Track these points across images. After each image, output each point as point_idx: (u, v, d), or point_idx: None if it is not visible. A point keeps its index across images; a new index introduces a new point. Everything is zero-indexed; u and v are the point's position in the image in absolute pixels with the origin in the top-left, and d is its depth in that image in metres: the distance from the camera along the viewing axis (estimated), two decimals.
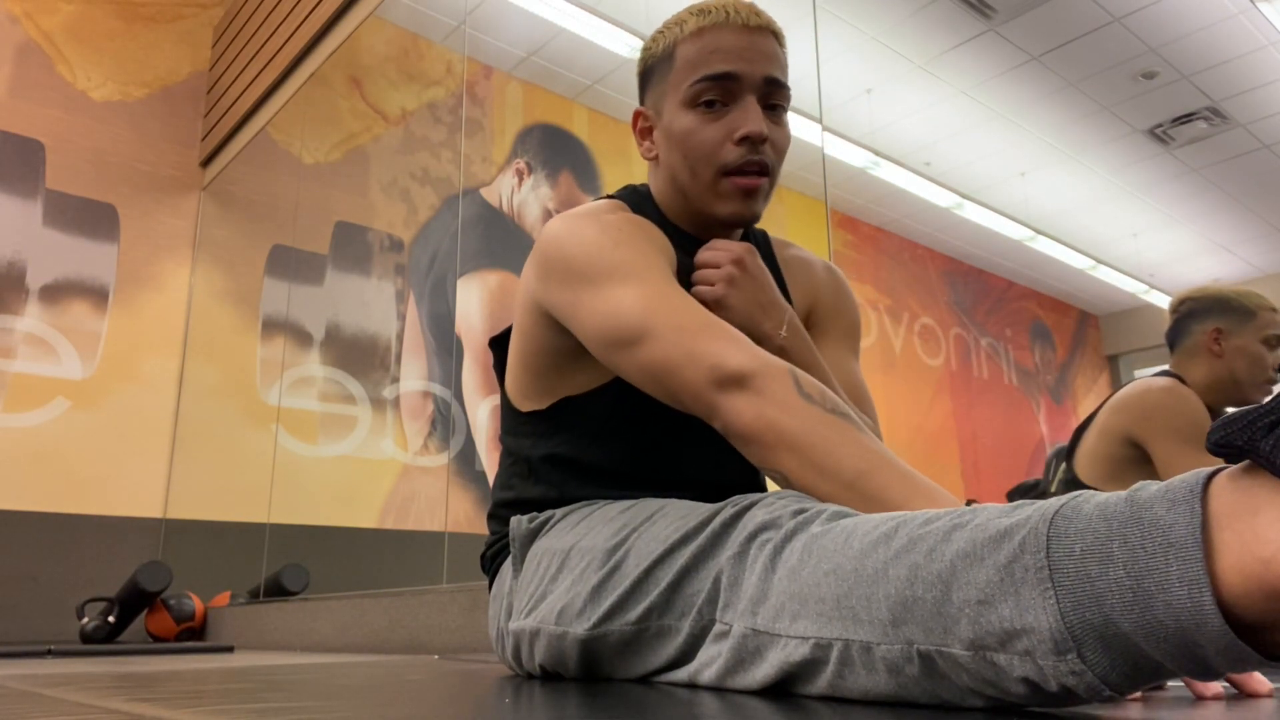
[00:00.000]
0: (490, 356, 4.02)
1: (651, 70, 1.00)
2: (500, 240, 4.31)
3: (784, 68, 0.96)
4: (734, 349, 0.78)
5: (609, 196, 1.05)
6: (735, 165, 0.92)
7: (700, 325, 0.80)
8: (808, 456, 0.72)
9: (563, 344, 0.95)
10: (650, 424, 0.96)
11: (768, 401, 0.75)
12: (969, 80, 4.69)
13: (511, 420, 1.03)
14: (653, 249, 0.90)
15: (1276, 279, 6.68)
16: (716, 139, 0.93)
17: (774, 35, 0.95)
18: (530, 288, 0.95)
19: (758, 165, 0.93)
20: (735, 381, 0.76)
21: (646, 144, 1.02)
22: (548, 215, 4.47)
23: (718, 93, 0.92)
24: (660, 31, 0.99)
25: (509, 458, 1.03)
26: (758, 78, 0.92)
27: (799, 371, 0.78)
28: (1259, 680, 0.64)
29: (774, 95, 0.94)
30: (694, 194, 0.96)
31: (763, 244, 1.11)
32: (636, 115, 1.02)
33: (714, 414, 0.78)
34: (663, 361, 0.80)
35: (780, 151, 0.96)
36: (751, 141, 0.92)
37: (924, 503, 0.68)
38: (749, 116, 0.91)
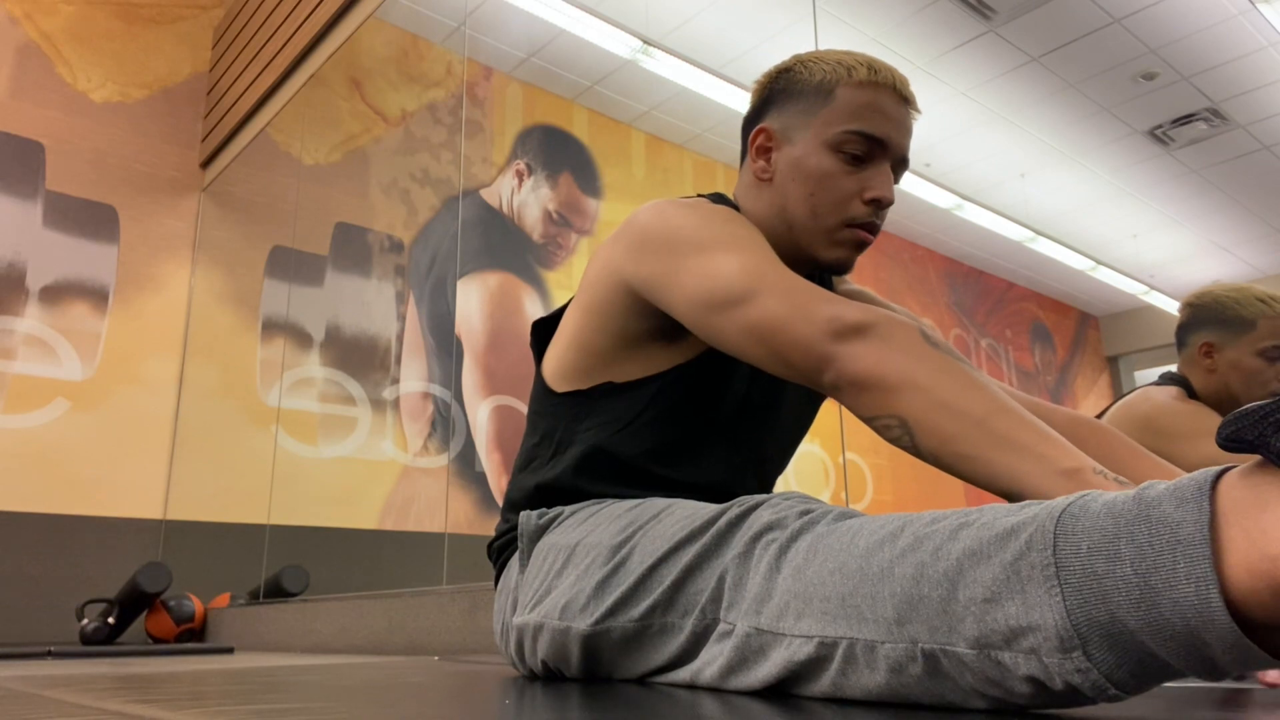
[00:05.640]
0: (490, 358, 4.01)
1: (795, 95, 1.00)
2: (500, 241, 4.30)
3: None
4: (851, 306, 0.78)
5: (698, 196, 1.05)
6: (861, 221, 0.97)
7: (811, 288, 0.80)
8: (935, 395, 0.71)
9: (633, 327, 0.95)
10: (679, 425, 0.96)
11: (893, 347, 0.74)
12: (969, 81, 4.69)
13: (543, 401, 1.03)
14: (755, 231, 0.92)
15: (1276, 279, 6.67)
16: (850, 192, 0.96)
17: (915, 114, 1.01)
18: (614, 264, 0.95)
19: (876, 228, 0.98)
20: (856, 331, 0.75)
21: (762, 164, 1.02)
22: (548, 216, 4.47)
23: (864, 149, 0.96)
24: (816, 62, 0.99)
25: (534, 436, 1.03)
26: (900, 152, 0.98)
27: (924, 324, 0.78)
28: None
29: (898, 170, 1.00)
30: (805, 230, 0.98)
31: (823, 283, 1.13)
32: (759, 132, 1.02)
33: (828, 364, 0.76)
34: (772, 318, 0.79)
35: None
36: (879, 206, 0.96)
37: (1052, 448, 0.66)
38: (885, 183, 0.96)
